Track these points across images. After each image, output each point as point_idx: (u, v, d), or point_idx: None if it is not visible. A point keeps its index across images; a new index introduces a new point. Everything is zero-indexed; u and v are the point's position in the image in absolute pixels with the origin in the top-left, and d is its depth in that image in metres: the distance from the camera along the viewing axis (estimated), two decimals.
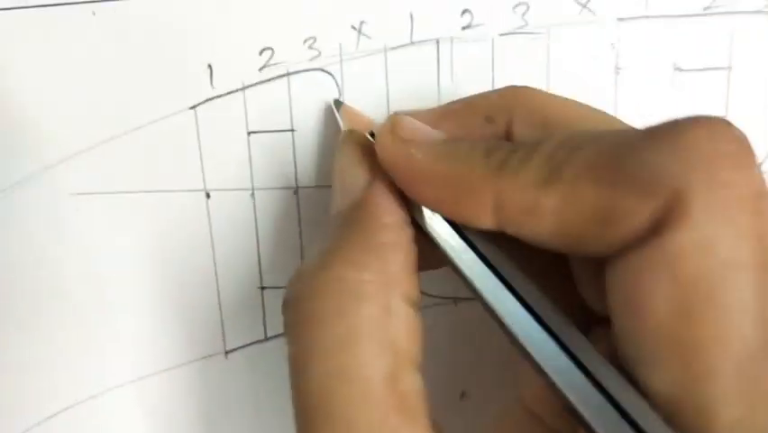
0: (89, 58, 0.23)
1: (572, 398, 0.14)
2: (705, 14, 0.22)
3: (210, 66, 0.23)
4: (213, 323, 0.25)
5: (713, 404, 0.13)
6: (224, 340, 0.25)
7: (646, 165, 0.13)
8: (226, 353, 0.25)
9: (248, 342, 0.25)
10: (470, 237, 0.16)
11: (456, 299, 0.25)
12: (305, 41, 0.23)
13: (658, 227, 0.13)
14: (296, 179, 0.24)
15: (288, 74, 0.23)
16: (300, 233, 0.24)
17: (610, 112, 0.23)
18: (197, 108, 0.24)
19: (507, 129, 0.18)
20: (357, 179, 0.18)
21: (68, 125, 0.24)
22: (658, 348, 0.14)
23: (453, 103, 0.20)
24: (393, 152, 0.17)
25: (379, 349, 0.16)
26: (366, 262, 0.16)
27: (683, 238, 0.13)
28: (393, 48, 0.23)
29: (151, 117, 0.24)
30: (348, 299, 0.16)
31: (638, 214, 0.13)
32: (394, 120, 0.18)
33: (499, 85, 0.23)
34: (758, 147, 0.23)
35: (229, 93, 0.23)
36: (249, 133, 0.24)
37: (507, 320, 0.15)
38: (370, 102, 0.23)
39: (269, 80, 0.23)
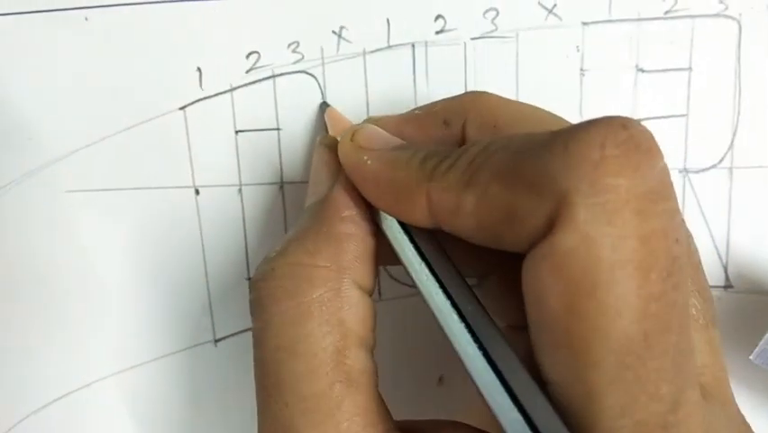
0: (83, 61, 0.24)
1: (485, 395, 0.15)
2: (666, 18, 0.23)
3: (199, 69, 0.24)
4: (202, 313, 0.26)
5: (598, 392, 0.14)
6: (213, 329, 0.26)
7: (541, 169, 0.14)
8: (216, 341, 0.26)
9: (236, 330, 0.26)
10: (417, 238, 0.18)
11: None
12: (289, 45, 0.24)
13: (550, 227, 0.14)
14: (281, 176, 0.25)
15: (274, 76, 0.24)
16: (286, 226, 0.25)
17: (575, 112, 0.24)
18: (187, 109, 0.24)
19: (462, 132, 0.19)
20: (324, 178, 0.20)
21: (63, 126, 0.24)
22: (552, 340, 0.14)
23: (417, 109, 0.21)
24: (350, 157, 0.19)
25: (327, 327, 0.17)
26: (320, 249, 0.18)
27: (569, 239, 0.14)
28: (371, 51, 0.24)
29: (143, 118, 0.24)
30: (301, 281, 0.17)
31: (534, 214, 0.14)
32: (355, 128, 0.19)
33: (471, 85, 0.24)
34: (718, 144, 0.24)
35: (217, 94, 0.24)
36: (236, 132, 0.24)
37: (436, 314, 0.17)
38: (350, 102, 0.24)
39: (255, 82, 0.24)
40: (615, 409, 0.14)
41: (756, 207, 0.24)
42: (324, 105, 0.24)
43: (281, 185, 0.25)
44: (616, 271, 0.14)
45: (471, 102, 0.20)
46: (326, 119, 0.23)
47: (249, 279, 0.26)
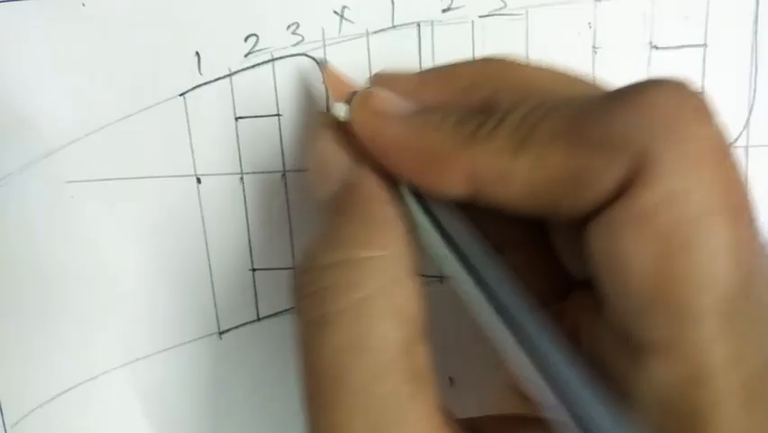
0: (80, 48, 0.24)
1: (523, 377, 0.15)
2: None
3: (198, 53, 0.24)
4: (206, 305, 0.25)
5: (702, 346, 0.14)
6: (217, 321, 0.26)
7: (613, 127, 0.14)
8: (220, 333, 0.26)
9: (241, 322, 0.26)
10: (439, 215, 0.17)
11: (442, 278, 0.25)
12: (288, 27, 0.23)
13: (628, 186, 0.14)
14: (283, 163, 0.24)
15: (273, 60, 0.24)
16: (289, 215, 0.25)
17: None
18: (186, 95, 0.24)
19: (485, 101, 0.18)
20: (340, 162, 0.18)
21: (61, 115, 0.24)
22: (644, 302, 0.14)
23: (433, 70, 0.19)
24: (368, 125, 0.17)
25: (391, 321, 0.16)
26: (370, 239, 0.17)
27: (654, 193, 0.13)
28: (375, 32, 0.23)
29: (142, 105, 0.24)
30: (357, 274, 0.16)
31: (607, 175, 0.14)
32: (365, 94, 0.18)
33: None
34: (733, 122, 0.24)
35: (216, 79, 0.24)
36: (237, 119, 0.24)
37: (474, 307, 0.16)
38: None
39: (254, 66, 0.24)
40: (722, 366, 0.13)
41: None
42: (323, 62, 0.23)
43: (283, 173, 0.24)
44: (708, 220, 0.13)
45: (498, 71, 0.18)
46: (325, 82, 0.22)
47: (253, 270, 0.25)
